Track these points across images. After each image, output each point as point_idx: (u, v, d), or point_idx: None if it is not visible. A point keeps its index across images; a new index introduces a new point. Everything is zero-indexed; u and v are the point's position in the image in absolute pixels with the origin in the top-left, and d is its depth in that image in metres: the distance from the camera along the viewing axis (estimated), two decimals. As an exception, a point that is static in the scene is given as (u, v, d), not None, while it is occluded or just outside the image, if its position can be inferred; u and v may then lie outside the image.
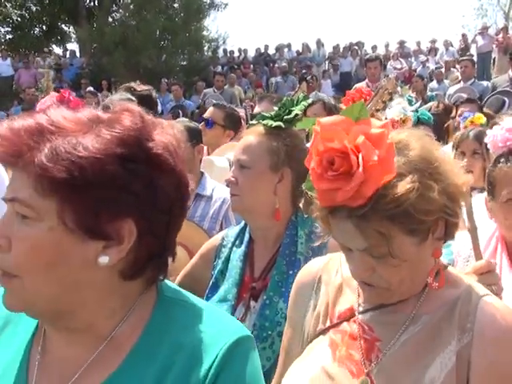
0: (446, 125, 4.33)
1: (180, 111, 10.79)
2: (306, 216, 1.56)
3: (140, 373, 0.78)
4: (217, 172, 3.04)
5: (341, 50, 16.66)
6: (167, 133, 0.82)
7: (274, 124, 1.51)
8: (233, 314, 1.50)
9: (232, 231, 1.69)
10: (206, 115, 3.49)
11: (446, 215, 0.99)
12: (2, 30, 21.12)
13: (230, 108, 3.67)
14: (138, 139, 0.77)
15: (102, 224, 0.75)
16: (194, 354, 0.79)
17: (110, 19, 18.81)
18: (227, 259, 1.61)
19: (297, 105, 1.52)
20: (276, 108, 1.59)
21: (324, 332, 1.11)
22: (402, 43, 16.59)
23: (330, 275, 1.17)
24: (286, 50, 17.60)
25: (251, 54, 17.99)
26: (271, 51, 17.75)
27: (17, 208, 0.75)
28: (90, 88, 11.64)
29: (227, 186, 2.51)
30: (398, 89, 5.13)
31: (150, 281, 0.85)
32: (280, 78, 14.06)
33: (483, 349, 0.99)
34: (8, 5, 21.55)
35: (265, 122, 1.54)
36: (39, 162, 0.72)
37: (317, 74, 12.96)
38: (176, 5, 18.15)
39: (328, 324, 1.12)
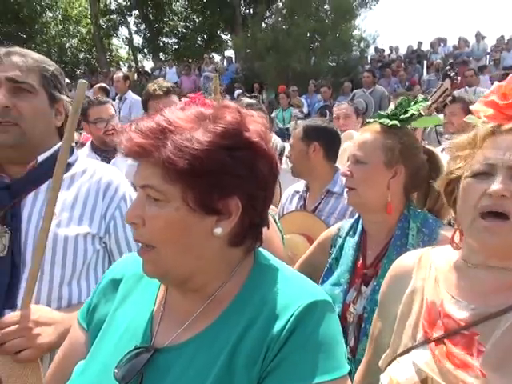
0: None
1: (327, 111, 10.96)
2: (418, 210, 1.61)
3: (233, 322, 0.93)
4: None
5: (505, 41, 15.23)
6: (257, 122, 0.96)
7: (391, 123, 1.59)
8: (345, 297, 1.63)
9: (347, 223, 1.81)
10: None
11: None
12: (170, 41, 23.55)
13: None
14: (239, 131, 0.92)
15: (215, 202, 0.90)
16: (275, 310, 0.91)
17: (264, 25, 19.68)
18: (341, 248, 1.73)
19: (414, 105, 1.57)
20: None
21: (421, 329, 1.15)
22: None
23: (425, 270, 1.22)
24: (441, 45, 16.65)
25: (403, 51, 17.38)
26: (425, 47, 16.94)
27: (150, 192, 0.91)
28: (240, 91, 12.46)
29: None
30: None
31: (249, 249, 1.00)
32: (433, 75, 13.37)
33: None
34: (175, 18, 23.89)
35: (381, 120, 1.62)
36: (166, 157, 0.87)
37: (475, 69, 12.07)
38: (326, 6, 18.27)
39: (422, 318, 1.16)
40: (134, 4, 23.63)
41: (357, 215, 1.78)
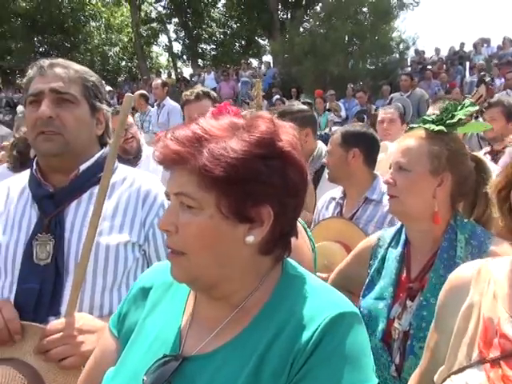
0: None
1: (365, 115, 10.82)
2: (465, 220, 1.53)
3: (262, 328, 0.93)
4: (389, 156, 3.05)
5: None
6: (289, 132, 0.97)
7: (436, 128, 1.52)
8: (389, 311, 1.56)
9: (388, 232, 1.74)
10: None
11: None
12: (208, 47, 23.89)
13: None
14: (273, 140, 0.93)
15: (248, 210, 0.91)
16: (302, 321, 0.90)
17: (301, 29, 19.64)
18: (383, 259, 1.66)
19: (461, 109, 1.50)
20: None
21: (477, 348, 1.09)
22: None
23: (483, 284, 1.16)
24: (484, 46, 16.15)
25: (444, 53, 16.98)
26: (468, 49, 16.48)
27: (183, 200, 0.92)
28: (278, 96, 12.47)
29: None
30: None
31: (278, 258, 1.00)
32: (476, 76, 12.99)
33: None
34: (213, 24, 24.21)
35: (426, 125, 1.55)
36: (202, 165, 0.88)
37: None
38: (365, 9, 18.04)
39: (478, 337, 1.10)
40: (174, 12, 24.09)
41: (399, 224, 1.71)
